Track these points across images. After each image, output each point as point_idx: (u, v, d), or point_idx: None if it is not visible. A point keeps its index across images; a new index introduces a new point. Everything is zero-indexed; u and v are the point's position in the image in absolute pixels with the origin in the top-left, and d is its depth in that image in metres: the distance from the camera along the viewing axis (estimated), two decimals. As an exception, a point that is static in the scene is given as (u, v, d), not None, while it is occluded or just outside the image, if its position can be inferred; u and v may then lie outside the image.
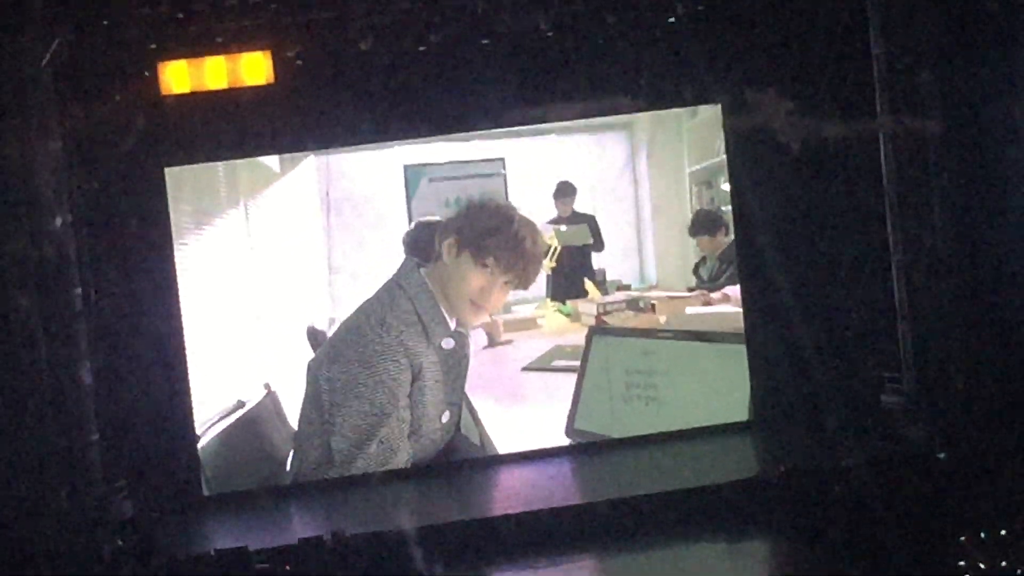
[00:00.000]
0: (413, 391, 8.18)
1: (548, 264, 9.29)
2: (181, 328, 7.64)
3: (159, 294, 7.69)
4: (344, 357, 8.17)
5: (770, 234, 7.99)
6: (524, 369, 9.16)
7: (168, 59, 7.52)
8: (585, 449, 8.67)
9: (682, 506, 7.00)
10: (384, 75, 7.82)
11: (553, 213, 9.34)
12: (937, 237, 7.58)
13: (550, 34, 7.72)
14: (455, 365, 8.43)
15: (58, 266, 7.31)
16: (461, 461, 8.57)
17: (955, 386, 7.56)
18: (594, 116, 7.83)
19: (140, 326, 7.68)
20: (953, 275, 7.59)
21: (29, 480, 7.05)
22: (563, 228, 9.43)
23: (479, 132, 8.50)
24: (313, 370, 8.21)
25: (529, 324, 9.42)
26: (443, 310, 8.25)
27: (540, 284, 9.02)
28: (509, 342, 9.31)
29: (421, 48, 7.71)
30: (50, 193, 7.31)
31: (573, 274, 9.54)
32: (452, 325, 8.32)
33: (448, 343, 8.33)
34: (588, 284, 9.50)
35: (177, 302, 7.66)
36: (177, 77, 7.55)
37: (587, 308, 9.39)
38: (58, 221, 7.31)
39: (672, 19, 7.71)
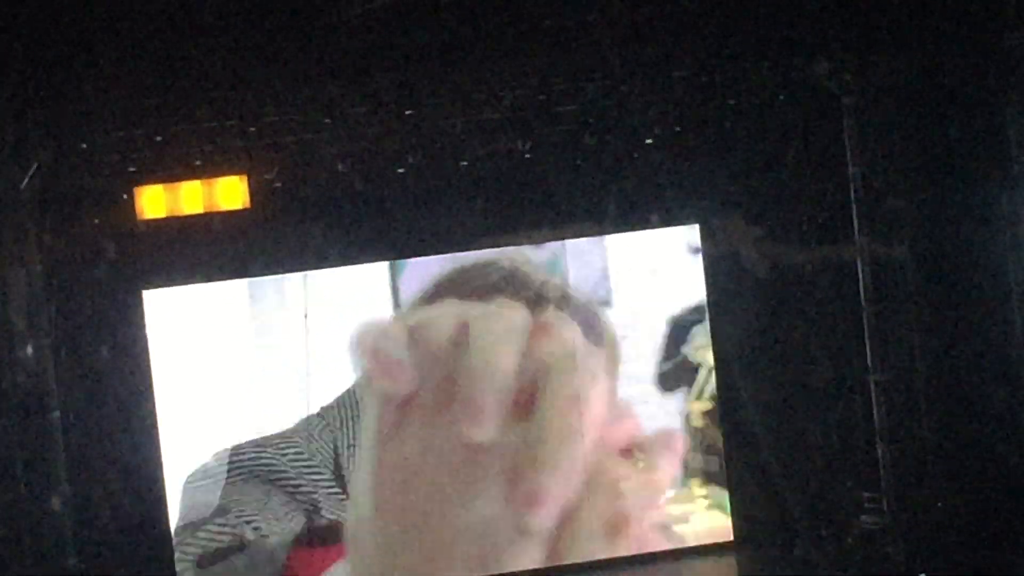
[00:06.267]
0: None
1: None
2: (160, 454, 7.60)
3: (137, 419, 7.66)
4: None
5: (749, 355, 7.98)
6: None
7: (145, 183, 7.50)
8: (572, 569, 8.34)
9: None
10: (361, 197, 7.79)
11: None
12: (914, 358, 7.62)
13: (528, 156, 7.70)
14: None
15: (35, 392, 7.30)
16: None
17: (934, 506, 7.57)
18: (568, 238, 7.77)
19: (118, 452, 7.65)
20: (930, 395, 7.63)
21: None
22: None
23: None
24: None
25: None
26: None
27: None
28: None
29: (399, 170, 7.70)
30: (26, 318, 7.32)
31: None
32: None
33: None
34: None
35: (155, 427, 7.62)
36: (153, 202, 7.52)
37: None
38: (32, 347, 7.31)
39: (650, 140, 7.71)
